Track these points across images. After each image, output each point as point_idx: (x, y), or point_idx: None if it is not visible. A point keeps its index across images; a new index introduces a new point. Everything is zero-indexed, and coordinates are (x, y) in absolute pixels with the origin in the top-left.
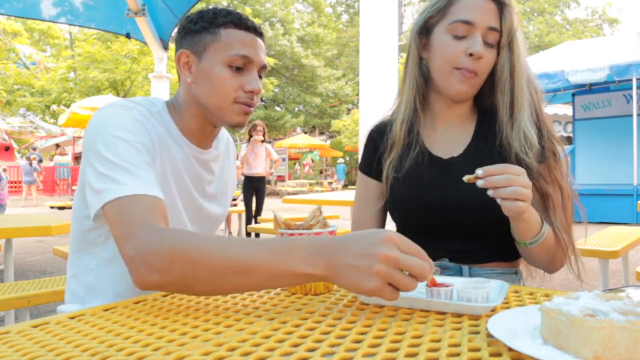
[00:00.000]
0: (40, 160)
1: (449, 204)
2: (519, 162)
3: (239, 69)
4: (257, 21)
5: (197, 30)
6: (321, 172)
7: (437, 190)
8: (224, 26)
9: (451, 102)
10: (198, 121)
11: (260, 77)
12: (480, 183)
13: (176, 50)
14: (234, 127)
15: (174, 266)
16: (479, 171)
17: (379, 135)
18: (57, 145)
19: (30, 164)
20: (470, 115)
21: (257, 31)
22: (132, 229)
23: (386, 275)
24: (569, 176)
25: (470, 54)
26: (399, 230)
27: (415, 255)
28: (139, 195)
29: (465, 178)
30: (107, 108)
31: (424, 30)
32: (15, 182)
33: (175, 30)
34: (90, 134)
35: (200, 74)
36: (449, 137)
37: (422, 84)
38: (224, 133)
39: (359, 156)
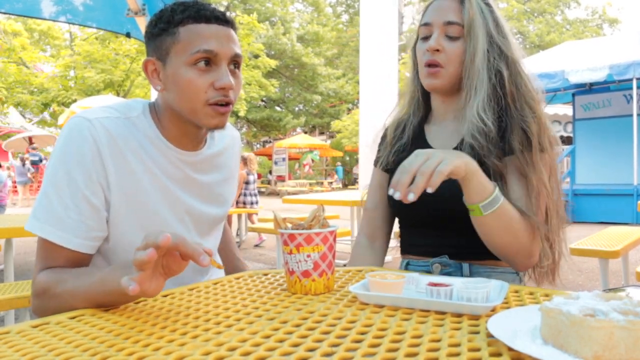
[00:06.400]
0: (40, 160)
1: (440, 195)
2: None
3: (207, 66)
4: (256, 23)
5: (157, 33)
6: (322, 172)
7: None
8: (182, 24)
9: (442, 97)
10: (178, 126)
11: (236, 67)
12: (397, 196)
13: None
14: (213, 130)
15: (41, 301)
16: (390, 191)
17: (393, 130)
18: (30, 140)
19: (24, 165)
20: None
21: (221, 20)
22: (36, 267)
23: (132, 266)
24: (554, 175)
25: (428, 50)
26: (400, 223)
27: (142, 249)
28: (52, 242)
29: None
30: (73, 127)
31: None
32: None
33: None
34: (54, 149)
35: (168, 80)
36: (448, 131)
37: (421, 87)
38: (228, 129)
39: (359, 156)
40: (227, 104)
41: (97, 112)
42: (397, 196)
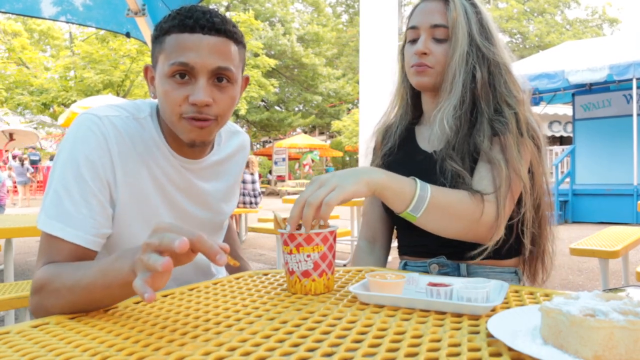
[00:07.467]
0: (40, 160)
1: None
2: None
3: (183, 79)
4: (254, 20)
5: (153, 40)
6: (322, 172)
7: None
8: (169, 32)
9: (431, 98)
10: (173, 135)
11: (225, 80)
12: (287, 230)
13: None
14: (190, 146)
15: (39, 298)
16: (288, 227)
17: (381, 136)
18: (11, 135)
19: (22, 165)
20: None
21: (208, 29)
22: (38, 264)
23: (140, 261)
24: (539, 167)
25: (415, 54)
26: (395, 224)
27: (156, 247)
28: (59, 238)
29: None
30: (82, 123)
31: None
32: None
33: None
34: (61, 146)
35: (156, 89)
36: (436, 132)
37: (411, 90)
38: (237, 135)
39: (359, 156)
40: (204, 120)
41: (106, 110)
42: (287, 230)
